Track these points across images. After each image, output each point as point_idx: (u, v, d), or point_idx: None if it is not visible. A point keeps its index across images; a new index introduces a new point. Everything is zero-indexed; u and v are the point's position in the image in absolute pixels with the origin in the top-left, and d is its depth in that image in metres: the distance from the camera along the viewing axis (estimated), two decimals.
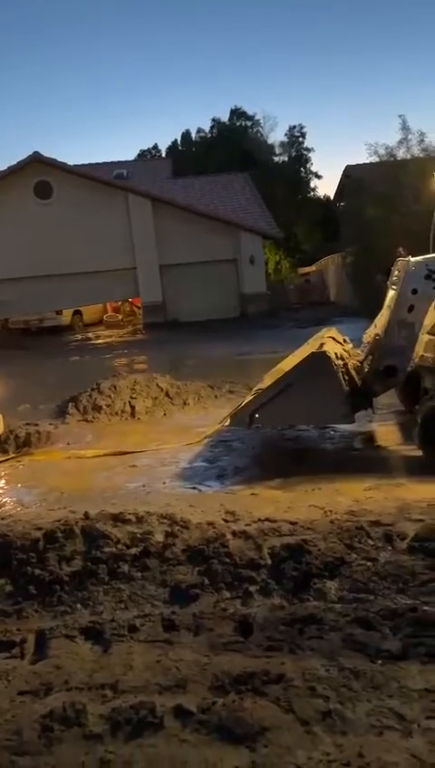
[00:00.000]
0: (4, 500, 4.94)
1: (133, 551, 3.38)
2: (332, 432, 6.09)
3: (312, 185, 35.39)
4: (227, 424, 5.70)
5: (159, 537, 3.55)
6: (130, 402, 7.79)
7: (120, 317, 25.95)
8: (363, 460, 5.19)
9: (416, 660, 2.25)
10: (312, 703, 2.07)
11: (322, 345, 5.64)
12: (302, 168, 34.13)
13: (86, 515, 3.80)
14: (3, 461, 6.12)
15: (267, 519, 3.80)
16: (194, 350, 14.57)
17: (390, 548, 3.20)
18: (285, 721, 1.99)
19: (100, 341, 19.59)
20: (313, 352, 5.45)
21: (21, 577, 3.23)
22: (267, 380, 5.88)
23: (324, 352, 5.25)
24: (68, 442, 6.75)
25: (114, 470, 5.58)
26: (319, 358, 5.19)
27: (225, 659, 2.36)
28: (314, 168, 35.10)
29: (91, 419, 7.53)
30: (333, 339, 6.21)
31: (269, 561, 3.20)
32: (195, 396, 8.37)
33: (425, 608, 2.63)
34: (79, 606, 2.98)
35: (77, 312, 23.60)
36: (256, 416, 5.26)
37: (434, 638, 2.36)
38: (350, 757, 1.80)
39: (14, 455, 6.33)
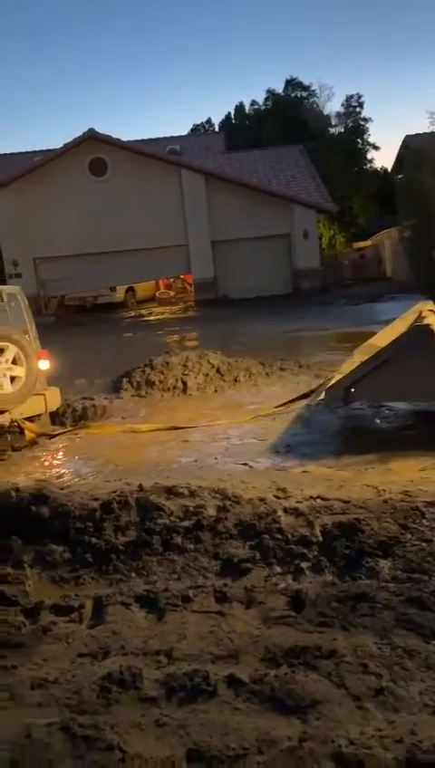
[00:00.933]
0: (63, 471, 5.10)
1: (186, 523, 3.44)
2: (386, 411, 5.98)
3: (369, 156, 34.20)
4: (321, 399, 5.63)
5: (211, 511, 3.59)
6: (181, 378, 7.86)
7: (171, 294, 26.10)
8: (419, 440, 5.08)
9: None
10: (364, 679, 2.07)
11: (423, 319, 5.48)
12: (359, 140, 33.02)
13: (140, 488, 3.88)
14: (60, 434, 6.30)
15: (319, 497, 3.78)
16: (245, 327, 14.53)
17: None
18: (337, 695, 2.00)
19: (152, 318, 19.77)
20: (416, 326, 5.31)
21: (79, 545, 3.35)
22: (357, 357, 5.78)
23: (428, 326, 5.10)
24: (122, 416, 6.89)
25: (167, 444, 5.66)
26: (422, 332, 5.04)
27: (277, 632, 2.39)
28: (371, 140, 33.85)
29: (144, 395, 7.65)
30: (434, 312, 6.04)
31: (321, 539, 3.20)
32: (246, 373, 8.36)
33: None
34: (134, 575, 3.07)
35: (130, 289, 23.88)
36: (353, 391, 5.19)
37: None
38: (402, 734, 1.80)
39: (71, 428, 6.52)
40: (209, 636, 2.41)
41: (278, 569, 3.02)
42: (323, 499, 3.74)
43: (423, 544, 2.97)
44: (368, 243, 29.42)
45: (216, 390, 7.81)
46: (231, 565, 3.08)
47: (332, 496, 3.78)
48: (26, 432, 6.06)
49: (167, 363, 8.11)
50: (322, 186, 22.61)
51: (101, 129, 21.12)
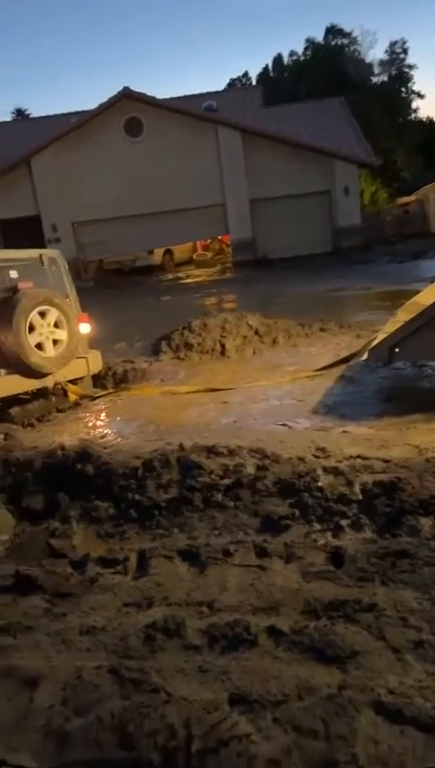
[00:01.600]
0: (105, 431, 5.21)
1: (226, 481, 3.49)
2: (429, 370, 5.86)
3: (413, 105, 32.78)
4: (364, 359, 5.56)
5: (251, 470, 3.63)
6: (220, 340, 7.85)
7: (209, 255, 25.88)
8: None
9: None
10: (404, 632, 2.10)
11: None
12: (402, 88, 31.60)
13: (181, 447, 3.95)
14: (102, 395, 6.42)
15: (359, 456, 3.77)
16: (284, 288, 14.34)
17: None
18: (377, 647, 2.04)
19: (190, 281, 19.69)
20: None
21: (122, 502, 3.45)
22: (401, 315, 5.67)
23: None
24: (162, 378, 6.96)
25: (206, 406, 5.71)
26: None
27: (316, 587, 2.43)
28: (415, 88, 32.36)
29: (183, 357, 7.69)
30: None
31: (361, 497, 3.20)
32: (285, 334, 8.29)
33: None
34: (176, 530, 3.14)
35: (168, 252, 23.77)
36: (397, 350, 5.11)
37: None
38: None
39: (112, 390, 6.63)
40: (250, 588, 2.47)
41: (318, 526, 3.04)
42: (363, 458, 3.73)
43: None
44: (412, 198, 28.33)
45: (254, 352, 7.79)
46: (271, 522, 3.12)
47: (372, 456, 3.77)
48: (69, 394, 6.20)
49: (205, 325, 8.11)
50: (364, 139, 21.78)
51: (137, 88, 20.75)
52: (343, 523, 3.01)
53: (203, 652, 2.08)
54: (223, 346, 7.76)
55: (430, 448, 3.75)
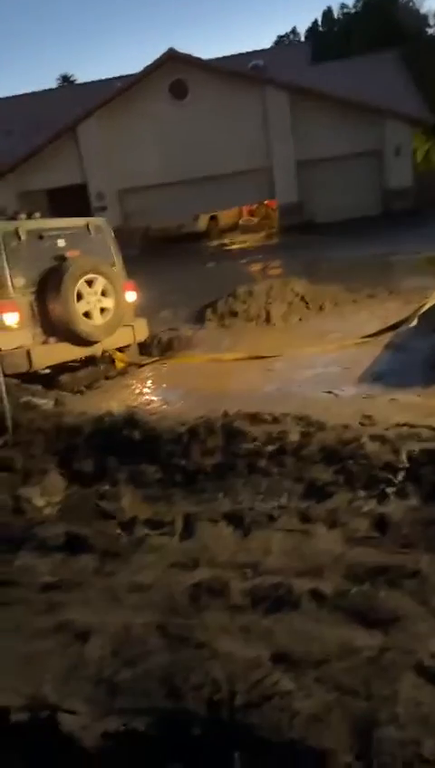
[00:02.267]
0: (152, 398, 5.30)
1: (270, 448, 3.51)
2: None
3: None
4: (412, 325, 5.45)
5: (295, 437, 3.63)
6: (265, 308, 7.79)
7: (255, 220, 25.47)
8: None
9: None
10: None
11: None
12: None
13: (225, 414, 3.98)
14: (148, 363, 6.51)
15: (406, 424, 3.72)
16: (331, 252, 14.03)
17: None
18: (420, 612, 2.04)
19: (235, 247, 19.50)
20: None
21: (168, 466, 3.52)
22: None
23: None
24: (206, 346, 6.98)
25: (251, 373, 5.71)
26: None
27: (360, 552, 2.44)
28: None
29: (228, 325, 7.69)
30: None
31: (407, 465, 3.17)
32: (331, 300, 8.17)
33: None
34: (220, 495, 3.19)
35: (213, 218, 23.51)
36: None
37: None
38: None
39: (158, 358, 6.70)
40: (293, 552, 2.50)
41: (362, 493, 3.03)
42: (410, 426, 3.68)
43: None
44: None
45: (300, 319, 7.71)
46: (315, 488, 3.13)
47: (420, 423, 3.71)
48: (117, 362, 6.31)
49: (250, 292, 8.05)
50: (418, 95, 20.77)
51: (182, 49, 20.29)
52: (389, 490, 2.99)
53: (246, 612, 2.14)
54: (268, 313, 7.71)
55: None
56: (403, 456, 3.26)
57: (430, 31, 30.57)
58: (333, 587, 2.21)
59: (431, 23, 30.80)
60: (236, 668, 1.84)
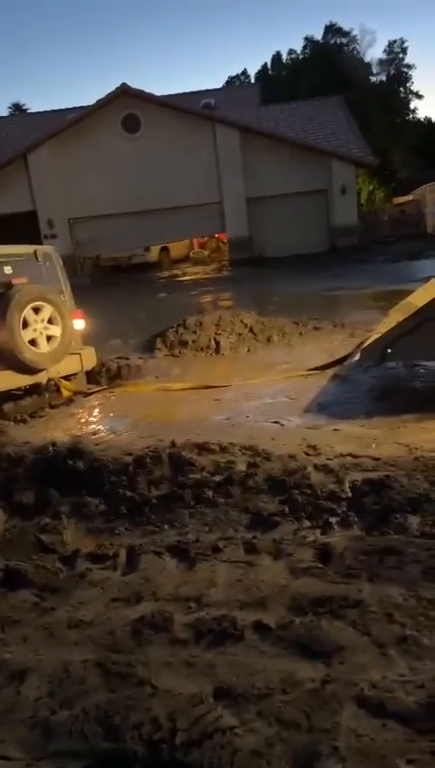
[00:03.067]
0: (98, 428, 5.22)
1: (217, 478, 3.51)
2: (422, 370, 5.89)
3: (412, 106, 32.87)
4: (356, 359, 5.58)
5: (242, 467, 3.65)
6: (214, 338, 7.87)
7: (206, 253, 25.87)
8: None
9: None
10: (388, 628, 2.12)
11: None
12: (401, 88, 31.65)
13: (173, 444, 3.96)
14: (96, 392, 6.43)
15: (350, 454, 3.80)
16: (280, 286, 14.36)
17: None
18: (361, 642, 2.06)
19: (186, 278, 19.70)
20: None
21: (113, 498, 3.46)
22: (394, 316, 5.71)
23: None
24: (156, 376, 6.97)
25: (199, 403, 5.72)
26: None
27: (304, 583, 2.45)
28: (414, 88, 32.42)
29: (178, 354, 7.71)
30: None
31: (350, 495, 3.23)
32: (279, 332, 8.33)
33: None
34: (166, 526, 3.16)
35: (164, 249, 23.76)
36: (389, 351, 5.13)
37: None
38: (425, 680, 1.85)
39: (106, 386, 6.63)
40: (238, 584, 2.49)
41: (307, 523, 3.06)
42: (353, 456, 3.76)
43: None
44: (409, 197, 28.43)
45: (248, 350, 7.82)
46: (260, 519, 3.14)
47: (362, 454, 3.80)
48: (63, 390, 6.20)
49: (200, 323, 8.13)
50: (361, 138, 21.83)
51: (135, 84, 20.71)
52: (332, 520, 3.03)
53: (189, 646, 2.10)
54: (218, 343, 7.78)
55: (420, 447, 3.79)
56: (346, 486, 3.33)
57: (373, 79, 32.21)
58: (276, 619, 2.21)
59: (374, 71, 32.49)
60: (177, 705, 1.80)
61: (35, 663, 2.07)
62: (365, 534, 2.84)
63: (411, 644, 2.04)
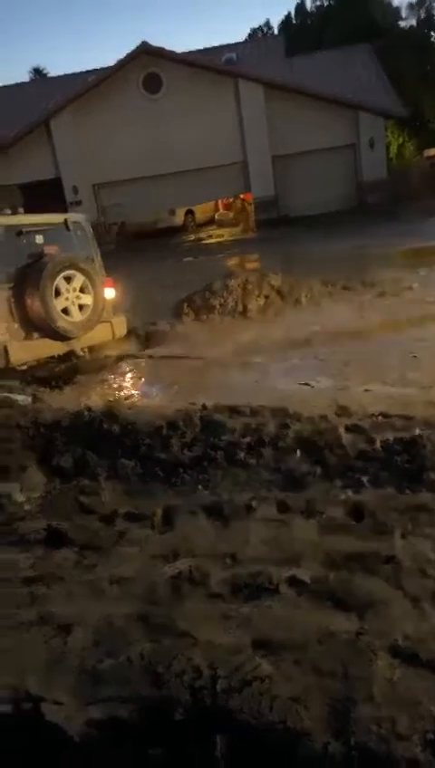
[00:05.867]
0: (131, 393, 5.31)
1: (248, 439, 3.55)
2: None
3: None
4: None
5: (273, 428, 3.68)
6: (241, 301, 7.84)
7: (231, 215, 25.49)
8: None
9: None
10: (421, 582, 2.15)
11: None
12: (432, 32, 30.13)
13: (204, 407, 4.01)
14: (126, 358, 6.50)
15: (381, 414, 3.80)
16: (307, 246, 14.13)
17: None
18: (395, 596, 2.10)
19: (211, 241, 19.53)
20: None
21: (148, 460, 3.54)
22: None
23: None
24: (184, 341, 7.01)
25: (229, 367, 5.76)
26: None
27: (336, 539, 2.50)
28: None
29: (205, 319, 7.72)
30: None
31: (382, 454, 3.24)
32: (307, 293, 8.25)
33: None
34: (200, 487, 3.23)
35: (189, 212, 23.49)
36: None
37: None
38: None
39: (136, 353, 6.70)
40: (272, 541, 2.55)
41: (339, 482, 3.09)
42: (385, 417, 3.76)
43: None
44: None
45: (277, 313, 7.77)
46: (292, 479, 3.18)
47: (394, 414, 3.79)
48: (95, 358, 6.29)
49: (226, 287, 8.09)
50: (391, 88, 20.98)
51: (155, 42, 20.16)
52: (364, 479, 3.05)
53: (226, 600, 2.17)
54: (245, 307, 7.75)
55: None
56: (378, 446, 3.34)
57: (402, 24, 30.75)
58: (310, 574, 2.26)
59: (404, 15, 30.95)
60: (217, 655, 1.88)
61: (80, 616, 2.17)
62: (397, 492, 2.86)
63: None
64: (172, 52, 20.37)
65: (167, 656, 1.90)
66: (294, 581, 2.23)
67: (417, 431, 3.42)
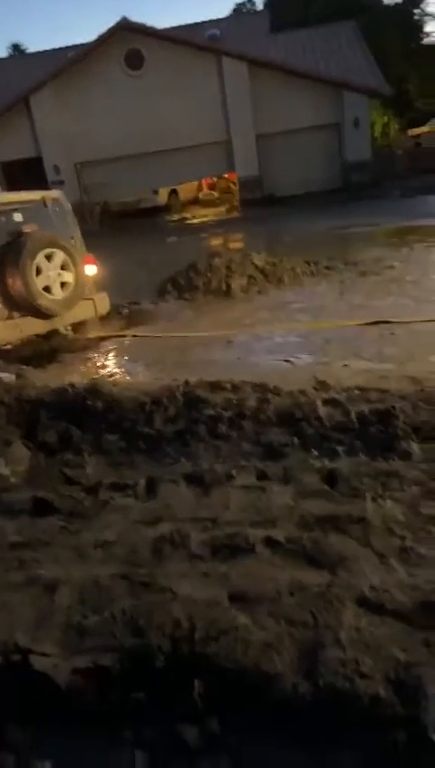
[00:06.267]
0: (114, 370, 5.38)
1: (229, 413, 3.66)
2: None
3: (428, 29, 31.03)
4: None
5: (253, 402, 3.79)
6: (225, 281, 7.89)
7: (216, 194, 25.35)
8: None
9: None
10: (389, 541, 2.29)
11: None
12: (416, 10, 29.89)
13: (186, 383, 4.10)
14: (109, 337, 6.56)
15: (358, 388, 3.91)
16: (291, 226, 14.17)
17: None
18: (364, 553, 2.23)
19: (196, 221, 19.45)
20: None
21: (131, 434, 3.63)
22: None
23: None
24: (168, 320, 7.07)
25: (211, 345, 5.84)
26: None
27: (311, 503, 2.62)
28: (430, 9, 30.56)
29: (189, 298, 7.77)
30: None
31: (357, 425, 3.36)
32: (290, 273, 8.32)
33: None
34: (182, 459, 3.33)
35: (173, 192, 23.31)
36: None
37: None
38: (420, 584, 2.02)
39: (119, 331, 6.75)
40: (250, 507, 2.66)
41: (315, 452, 3.21)
42: (361, 390, 3.88)
43: None
44: (424, 129, 27.31)
45: (260, 292, 7.84)
46: (271, 450, 3.29)
47: (370, 387, 3.91)
48: (78, 335, 6.34)
49: (210, 266, 8.14)
50: (375, 66, 20.84)
51: (137, 18, 19.81)
52: (339, 448, 3.17)
53: (206, 560, 2.29)
54: (228, 286, 7.81)
55: (426, 379, 3.89)
56: (353, 417, 3.46)
57: (386, 1, 30.46)
58: (285, 534, 2.38)
59: None
60: (195, 608, 2.00)
61: (66, 577, 2.28)
62: (370, 460, 2.98)
63: (410, 554, 2.21)
64: (153, 29, 20.05)
65: (148, 610, 2.02)
66: (269, 541, 2.35)
67: (391, 404, 3.54)
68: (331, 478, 2.84)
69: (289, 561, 2.24)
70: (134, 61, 20.17)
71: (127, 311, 7.20)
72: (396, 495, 2.62)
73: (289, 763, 1.64)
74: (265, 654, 1.82)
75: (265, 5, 35.25)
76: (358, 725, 1.64)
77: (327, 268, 8.57)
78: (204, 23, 25.01)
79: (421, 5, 30.24)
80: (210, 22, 25.28)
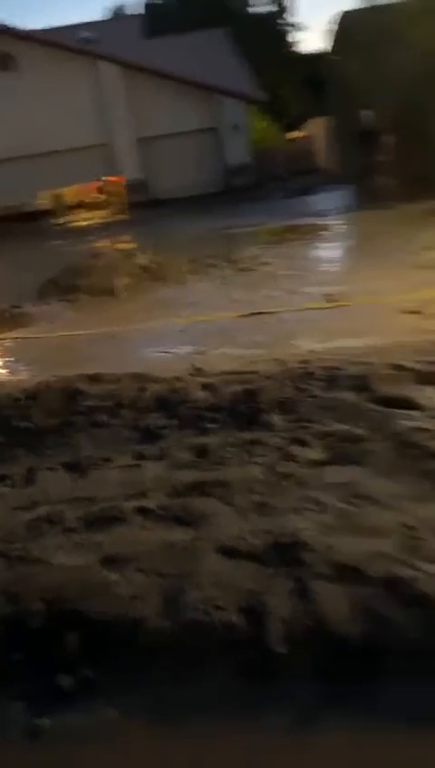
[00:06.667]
0: None
1: (108, 403, 3.80)
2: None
3: (296, 39, 32.67)
4: None
5: (132, 392, 3.95)
6: (108, 281, 7.98)
7: (102, 197, 25.13)
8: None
9: (336, 464, 2.72)
10: (249, 497, 2.54)
11: None
12: (279, 20, 31.35)
13: (65, 377, 4.19)
14: None
15: (231, 371, 4.19)
16: (176, 227, 14.47)
17: (332, 388, 3.61)
18: (226, 510, 2.47)
19: (83, 224, 19.25)
20: None
21: (10, 430, 3.67)
22: None
23: None
24: (50, 321, 7.05)
25: (94, 342, 5.93)
26: None
27: (182, 474, 2.83)
28: (299, 20, 32.18)
29: (72, 299, 7.78)
30: None
31: (228, 404, 3.62)
32: (174, 271, 8.56)
33: (357, 430, 3.07)
34: (62, 449, 3.43)
35: (58, 195, 22.82)
36: None
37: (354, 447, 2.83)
38: (271, 529, 2.28)
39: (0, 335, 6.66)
40: (125, 483, 2.83)
41: (190, 432, 3.42)
42: (234, 373, 4.16)
43: (311, 400, 3.43)
44: (300, 133, 28.73)
45: (144, 290, 8.01)
46: (149, 433, 3.47)
47: (242, 370, 4.20)
48: None
49: (92, 266, 8.19)
50: (249, 73, 21.66)
51: (8, 19, 19.28)
52: (211, 426, 3.41)
53: (80, 532, 2.43)
54: (112, 286, 7.90)
55: (289, 360, 4.24)
56: (225, 397, 3.72)
57: (254, 10, 31.62)
58: (156, 502, 2.57)
59: (250, 2, 31.80)
60: (68, 573, 2.14)
61: None
62: (237, 432, 3.25)
63: (266, 507, 2.47)
64: (22, 30, 19.64)
65: (23, 579, 2.13)
66: (141, 510, 2.53)
67: (259, 384, 3.84)
68: (201, 451, 3.07)
69: (159, 525, 2.43)
70: (7, 63, 19.65)
71: (8, 314, 7.09)
72: (258, 460, 2.89)
73: (155, 695, 1.83)
74: (132, 603, 2.00)
75: (146, 10, 35.45)
76: (215, 650, 1.86)
77: (209, 266, 8.90)
78: (78, 25, 24.77)
79: (285, 16, 31.72)
80: (85, 24, 25.07)
